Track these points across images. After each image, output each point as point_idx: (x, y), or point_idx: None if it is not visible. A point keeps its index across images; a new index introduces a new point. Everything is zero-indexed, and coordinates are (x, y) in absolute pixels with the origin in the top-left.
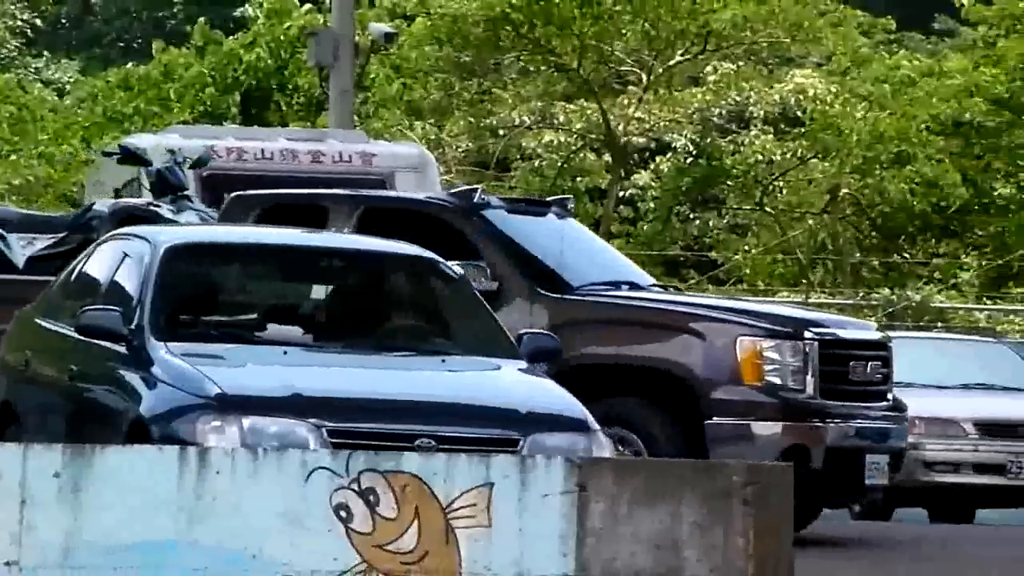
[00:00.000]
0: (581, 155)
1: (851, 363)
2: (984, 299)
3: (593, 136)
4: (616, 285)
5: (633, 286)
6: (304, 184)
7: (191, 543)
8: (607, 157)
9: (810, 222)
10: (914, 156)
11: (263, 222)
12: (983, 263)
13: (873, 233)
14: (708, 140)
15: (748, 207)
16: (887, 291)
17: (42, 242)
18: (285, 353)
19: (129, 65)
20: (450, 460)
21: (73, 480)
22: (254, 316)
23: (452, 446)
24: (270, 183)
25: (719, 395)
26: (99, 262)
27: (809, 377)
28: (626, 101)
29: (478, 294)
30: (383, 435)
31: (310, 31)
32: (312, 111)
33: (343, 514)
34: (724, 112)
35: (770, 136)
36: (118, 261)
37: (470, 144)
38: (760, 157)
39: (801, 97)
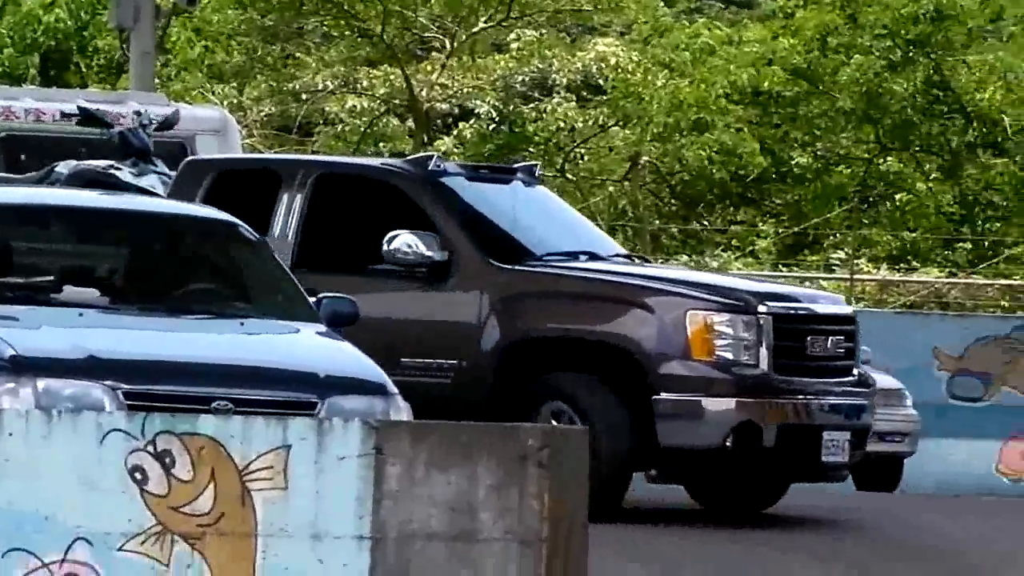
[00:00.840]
0: (384, 120)
1: (808, 338)
2: (780, 267)
3: (396, 102)
4: (576, 255)
5: (593, 256)
6: (102, 145)
7: None
8: (410, 123)
9: (611, 189)
10: (713, 124)
11: (215, 188)
12: (780, 231)
13: (672, 200)
14: (511, 107)
15: (550, 174)
16: (685, 258)
17: None
18: (81, 315)
19: None
20: (247, 423)
21: None
22: (50, 278)
23: (249, 409)
24: (69, 145)
25: (667, 370)
26: None
27: (762, 352)
28: (429, 67)
29: (278, 257)
30: (179, 397)
31: None
32: (112, 73)
33: (138, 476)
34: (527, 79)
35: (572, 104)
36: None
37: (272, 108)
38: (562, 124)
39: (603, 65)
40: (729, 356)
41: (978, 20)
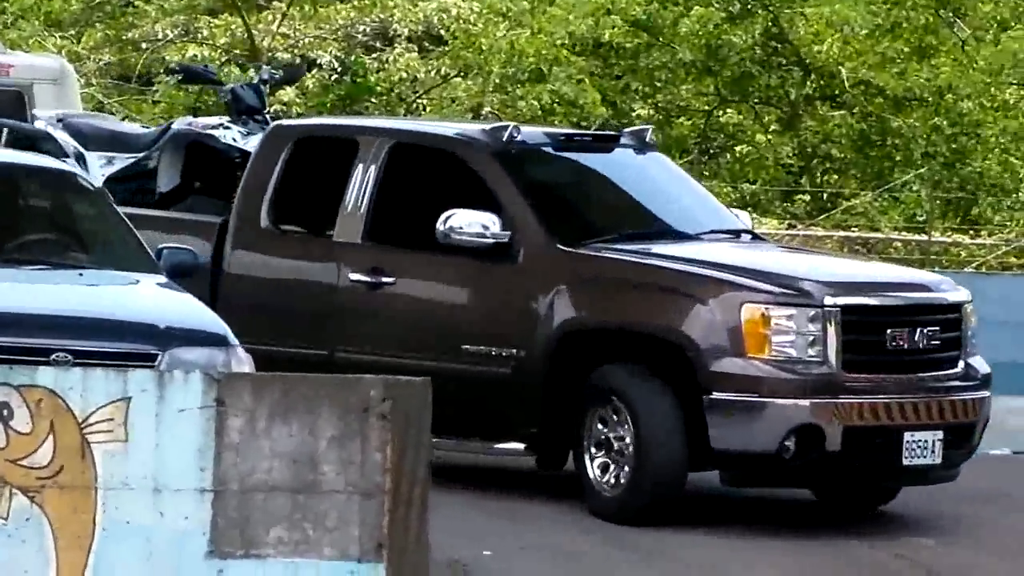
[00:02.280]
0: (225, 70)
1: (889, 330)
2: None
3: (238, 52)
4: (663, 234)
5: (683, 235)
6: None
7: None
8: (252, 72)
9: None
10: (551, 74)
11: (295, 151)
12: None
13: None
14: (353, 57)
15: None
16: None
17: (121, 161)
18: None
19: None
20: (86, 374)
21: None
22: None
23: (89, 361)
24: None
25: (719, 367)
26: None
27: (826, 348)
28: (271, 17)
29: (116, 208)
30: (17, 349)
31: None
32: None
33: None
34: (369, 30)
35: (414, 54)
36: None
37: (111, 57)
38: (404, 75)
39: (444, 16)
40: (790, 353)
41: None
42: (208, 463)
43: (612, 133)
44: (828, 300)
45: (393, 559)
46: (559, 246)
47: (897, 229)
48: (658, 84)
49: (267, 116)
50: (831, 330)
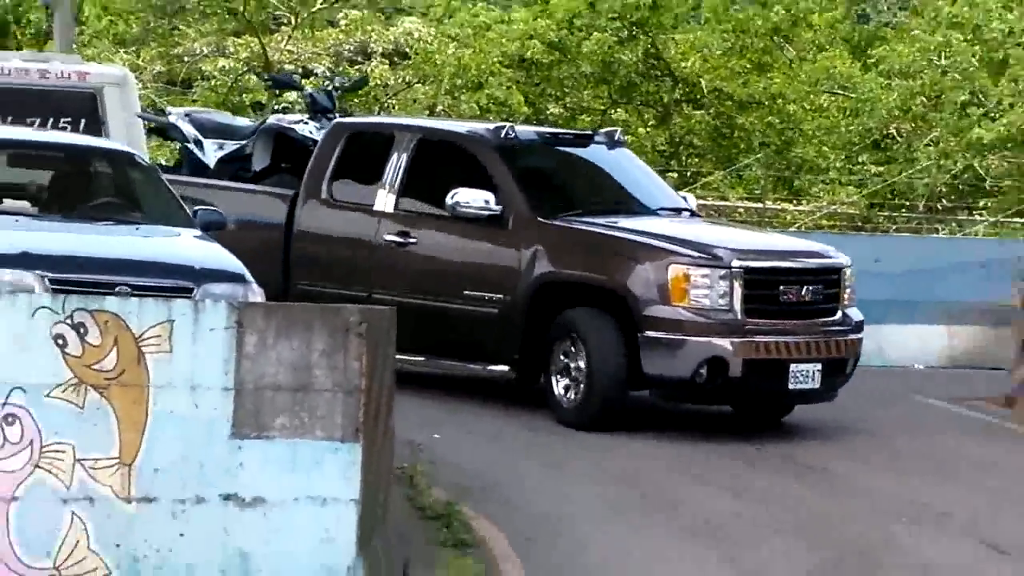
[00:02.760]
0: (246, 77)
1: (781, 287)
2: None
3: (255, 64)
4: (619, 210)
5: (637, 211)
6: (35, 94)
7: None
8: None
9: None
10: (488, 83)
11: (348, 143)
12: None
13: None
14: (340, 68)
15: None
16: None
17: (229, 146)
18: (16, 221)
19: None
20: (141, 303)
21: None
22: None
23: (143, 292)
24: (7, 92)
25: (651, 312)
26: None
27: (732, 300)
28: (279, 38)
29: (164, 179)
30: (91, 284)
31: None
32: (41, 41)
33: (60, 342)
34: (352, 48)
35: (386, 66)
36: None
37: (161, 68)
38: (378, 82)
39: (409, 38)
40: (704, 303)
41: (683, 8)
42: (231, 368)
43: (588, 132)
44: (735, 263)
45: (366, 440)
46: (538, 218)
47: (741, 199)
48: (566, 90)
49: (336, 115)
50: (736, 286)
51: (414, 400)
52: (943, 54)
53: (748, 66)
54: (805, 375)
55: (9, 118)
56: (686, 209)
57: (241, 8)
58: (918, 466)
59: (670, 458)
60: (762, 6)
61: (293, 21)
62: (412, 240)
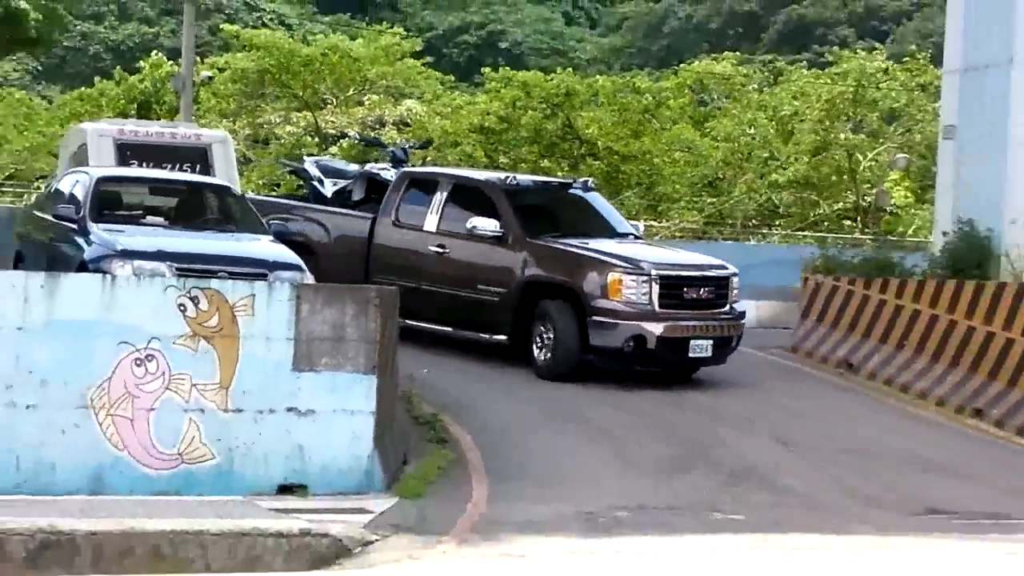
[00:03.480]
0: (304, 139)
1: (685, 288)
2: None
3: (310, 129)
4: (585, 234)
5: (593, 235)
6: (168, 149)
7: (109, 319)
8: (316, 139)
9: None
10: (461, 143)
11: (408, 187)
12: None
13: None
14: (366, 132)
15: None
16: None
17: (340, 184)
18: (154, 230)
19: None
20: (235, 283)
21: (50, 290)
22: (140, 212)
23: (235, 276)
24: (151, 147)
25: (596, 304)
26: (64, 183)
27: (651, 296)
28: (327, 113)
29: (250, 203)
30: (202, 271)
31: (172, 74)
32: (172, 113)
33: (182, 308)
34: (373, 119)
35: (395, 132)
36: (74, 184)
37: (249, 131)
38: (391, 141)
39: (410, 112)
40: (631, 298)
41: (586, 96)
42: (292, 326)
43: (568, 181)
44: (653, 272)
45: (379, 373)
46: (527, 237)
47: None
48: (511, 148)
49: (408, 165)
50: (654, 288)
51: (432, 356)
52: (752, 127)
53: (628, 133)
54: (701, 348)
55: (151, 164)
56: (632, 234)
57: (300, 93)
58: (738, 392)
59: (595, 394)
60: (637, 94)
61: (334, 101)
62: (447, 250)
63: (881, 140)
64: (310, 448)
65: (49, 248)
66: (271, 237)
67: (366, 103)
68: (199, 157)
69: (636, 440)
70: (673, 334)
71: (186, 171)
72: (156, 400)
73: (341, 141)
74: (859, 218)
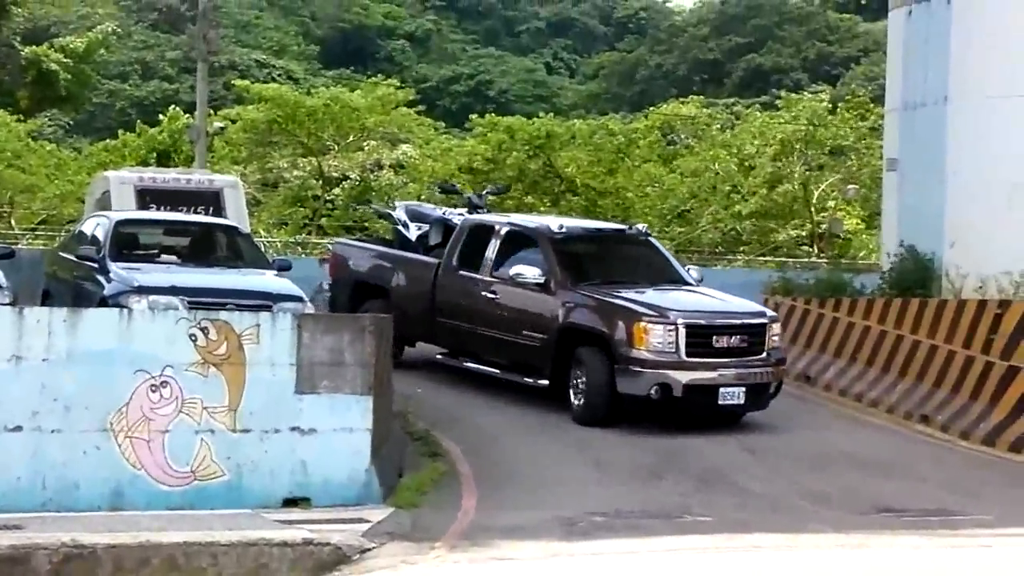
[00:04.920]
0: (309, 182)
1: (714, 336)
2: None
3: (315, 173)
4: (624, 283)
5: (636, 283)
6: (184, 193)
7: (127, 349)
8: (320, 183)
9: None
10: (451, 179)
11: (470, 232)
12: None
13: None
14: (366, 174)
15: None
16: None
17: (422, 229)
18: (168, 268)
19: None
20: (241, 314)
21: (72, 324)
22: (156, 251)
23: (242, 308)
24: (168, 192)
25: (623, 352)
26: (87, 226)
27: (677, 345)
28: (330, 158)
29: (253, 240)
30: (212, 303)
31: (188, 125)
32: (188, 161)
33: (193, 338)
34: (371, 163)
35: (391, 172)
36: (95, 227)
37: (259, 175)
38: (386, 182)
39: (404, 155)
40: (657, 346)
41: (565, 138)
42: (294, 352)
43: (621, 228)
44: (680, 320)
45: (375, 394)
46: (568, 285)
47: None
48: (497, 184)
49: (485, 211)
50: (681, 336)
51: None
52: (716, 163)
53: (603, 171)
54: (732, 395)
55: (168, 207)
56: (684, 280)
57: (306, 140)
58: None
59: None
60: (611, 135)
61: (336, 147)
62: (498, 296)
63: (832, 172)
64: (312, 464)
65: (73, 285)
66: (275, 272)
67: (365, 148)
68: (212, 200)
69: (612, 450)
70: (701, 381)
71: (200, 213)
72: (170, 422)
73: (344, 183)
74: (814, 243)
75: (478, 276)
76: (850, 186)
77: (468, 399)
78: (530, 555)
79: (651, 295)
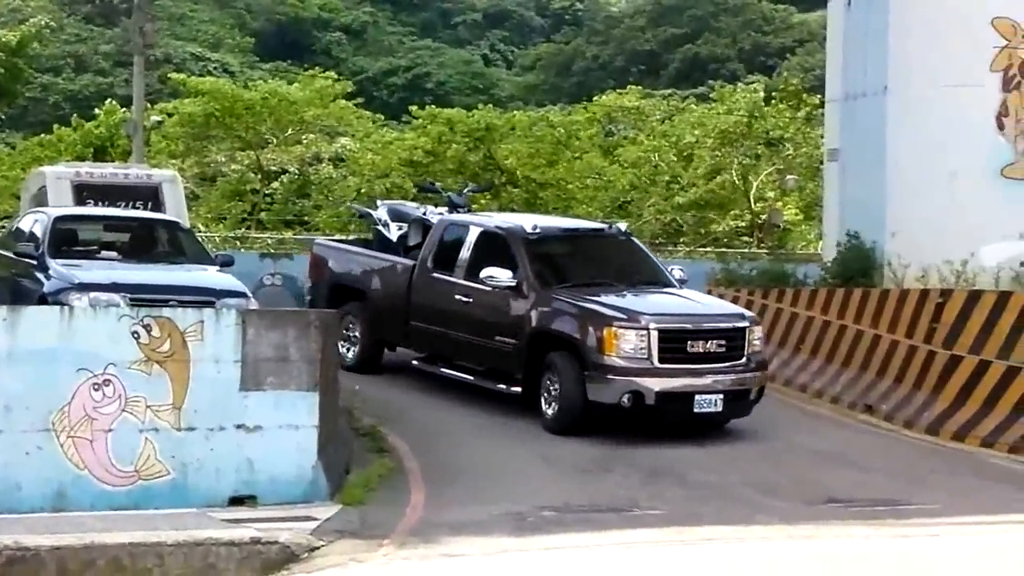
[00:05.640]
0: (248, 175)
1: (688, 341)
2: None
3: (254, 166)
4: (601, 284)
5: (614, 285)
6: (122, 188)
7: (68, 347)
8: (259, 176)
9: (343, 208)
10: (391, 175)
11: (445, 232)
12: None
13: None
14: (305, 168)
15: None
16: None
17: (403, 228)
18: (109, 264)
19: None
20: (184, 310)
21: (12, 323)
22: (96, 247)
23: (186, 304)
24: (105, 187)
25: (593, 359)
26: (24, 223)
27: (649, 350)
28: (268, 151)
29: (196, 235)
30: (154, 300)
31: (125, 119)
32: (125, 156)
33: (136, 336)
34: (310, 156)
35: (331, 167)
36: (33, 223)
37: (197, 170)
38: (326, 176)
39: (343, 149)
40: (628, 352)
41: (505, 129)
42: (239, 348)
43: (599, 228)
44: (652, 325)
45: (321, 390)
46: (541, 288)
47: None
48: (437, 179)
49: (469, 209)
50: (653, 341)
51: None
52: (657, 154)
53: (544, 162)
54: (708, 402)
55: (106, 202)
56: (663, 282)
57: (244, 134)
58: None
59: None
60: (551, 127)
61: (275, 140)
62: (471, 300)
63: (770, 164)
64: (258, 461)
65: (11, 283)
66: (217, 266)
67: (304, 142)
68: (150, 195)
69: (560, 445)
70: (674, 389)
71: (138, 209)
72: (113, 421)
73: (282, 176)
74: (754, 234)
75: (452, 279)
76: (788, 176)
77: (414, 395)
78: (480, 551)
79: (627, 298)
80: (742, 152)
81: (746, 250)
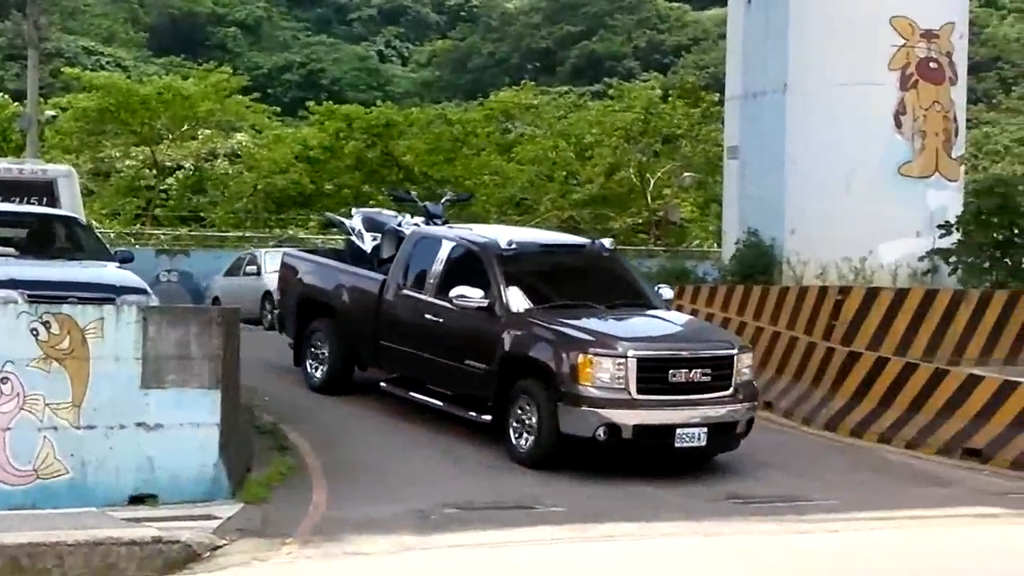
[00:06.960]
0: (143, 171)
1: (671, 370)
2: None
3: (149, 163)
4: (577, 305)
5: (592, 306)
6: (16, 183)
7: None
8: (154, 172)
9: (239, 204)
10: (288, 171)
11: (417, 244)
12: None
13: (277, 209)
14: (201, 165)
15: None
16: None
17: (377, 238)
18: (6, 260)
19: None
20: (84, 307)
21: None
22: None
23: (85, 301)
24: None
25: (565, 388)
26: None
27: (627, 380)
28: (163, 146)
29: (94, 230)
30: (53, 297)
31: (18, 114)
32: (18, 151)
33: (35, 333)
34: (206, 152)
35: (227, 162)
36: None
37: (92, 165)
38: (225, 172)
39: (239, 144)
40: (604, 381)
41: (404, 126)
42: (140, 346)
43: (581, 243)
44: (630, 352)
45: (223, 388)
46: (512, 310)
47: None
48: (335, 175)
49: (446, 220)
50: (630, 370)
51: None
52: (555, 151)
53: (442, 159)
54: (691, 436)
55: (0, 198)
56: (647, 303)
57: (138, 129)
58: None
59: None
60: (448, 124)
61: (170, 136)
62: (441, 320)
63: (667, 161)
64: (159, 460)
65: None
66: (117, 263)
67: (199, 137)
68: (46, 191)
69: (463, 442)
70: (653, 422)
71: (34, 204)
72: (11, 420)
73: (178, 172)
74: (651, 231)
75: (422, 296)
76: (685, 174)
77: (310, 394)
78: (384, 549)
79: (606, 322)
80: (639, 149)
81: (643, 247)
